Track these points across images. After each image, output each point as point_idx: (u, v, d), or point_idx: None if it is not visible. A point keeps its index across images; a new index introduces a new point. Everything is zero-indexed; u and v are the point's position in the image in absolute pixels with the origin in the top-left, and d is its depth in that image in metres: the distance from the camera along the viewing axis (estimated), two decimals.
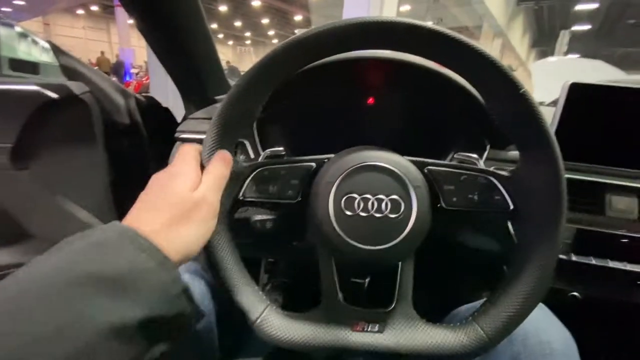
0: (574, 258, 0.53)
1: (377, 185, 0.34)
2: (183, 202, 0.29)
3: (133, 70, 11.12)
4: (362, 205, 0.33)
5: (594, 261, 0.53)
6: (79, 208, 0.68)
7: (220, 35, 24.16)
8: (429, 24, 0.30)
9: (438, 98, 0.53)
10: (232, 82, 0.77)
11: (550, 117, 0.56)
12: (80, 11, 19.47)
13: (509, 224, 0.45)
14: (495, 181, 0.35)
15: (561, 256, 0.53)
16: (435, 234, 0.35)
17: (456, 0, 9.66)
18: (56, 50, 0.68)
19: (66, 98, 0.62)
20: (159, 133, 0.75)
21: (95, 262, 0.22)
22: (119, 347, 0.21)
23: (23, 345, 0.18)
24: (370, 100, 0.57)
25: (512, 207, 0.35)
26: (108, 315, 0.21)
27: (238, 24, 21.78)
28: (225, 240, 0.35)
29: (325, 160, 0.37)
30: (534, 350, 0.37)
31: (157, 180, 0.31)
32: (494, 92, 0.33)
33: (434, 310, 0.42)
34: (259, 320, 0.34)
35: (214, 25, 21.24)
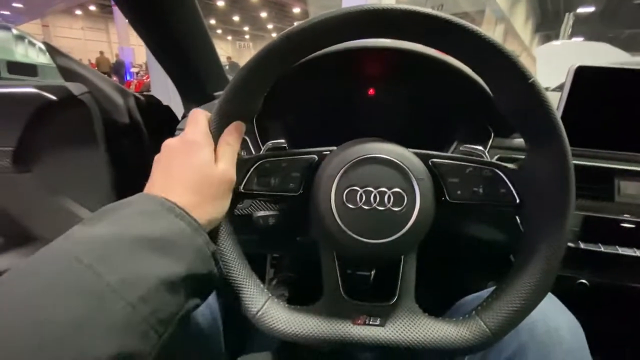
0: (582, 246, 0.53)
1: (380, 178, 0.33)
2: (207, 182, 0.31)
3: (133, 69, 11.12)
4: (364, 198, 0.33)
5: (602, 248, 0.52)
6: (81, 208, 0.69)
7: (219, 31, 24.02)
8: (428, 9, 0.29)
9: (441, 87, 0.52)
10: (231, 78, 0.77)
11: (556, 102, 0.55)
12: (78, 12, 19.45)
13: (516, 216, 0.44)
14: (501, 174, 0.34)
15: (569, 244, 0.52)
16: (438, 227, 0.35)
17: None
18: (53, 51, 0.68)
19: (65, 99, 0.62)
20: (159, 131, 0.75)
21: (144, 226, 0.25)
22: (167, 298, 0.24)
23: (87, 299, 0.21)
24: (372, 91, 0.56)
25: (518, 200, 0.34)
26: (159, 271, 0.24)
27: (236, 18, 21.63)
28: (227, 233, 0.35)
29: (327, 153, 0.37)
30: (542, 338, 0.37)
31: (175, 150, 0.32)
32: (501, 81, 0.32)
33: (436, 303, 0.41)
34: (259, 313, 0.34)
35: (212, 21, 21.12)
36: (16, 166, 0.62)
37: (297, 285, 0.79)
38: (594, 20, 13.18)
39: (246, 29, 24.58)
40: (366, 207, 0.33)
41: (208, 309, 0.47)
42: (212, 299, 0.47)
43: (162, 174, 0.31)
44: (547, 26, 14.82)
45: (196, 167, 0.31)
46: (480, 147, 0.42)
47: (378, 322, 0.34)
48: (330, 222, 0.33)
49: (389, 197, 0.33)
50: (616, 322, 0.64)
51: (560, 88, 0.56)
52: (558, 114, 0.30)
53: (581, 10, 12.00)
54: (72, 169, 0.66)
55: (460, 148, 0.45)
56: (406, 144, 0.36)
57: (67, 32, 19.45)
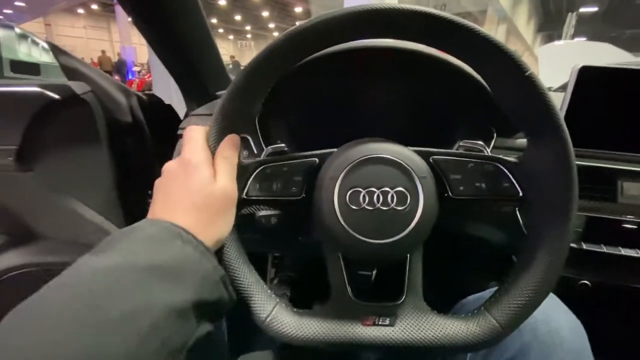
0: (584, 246, 0.53)
1: (382, 178, 0.33)
2: (207, 202, 0.31)
3: (135, 68, 11.15)
4: (367, 198, 0.33)
5: (605, 249, 0.52)
6: (85, 207, 0.69)
7: (220, 30, 24.04)
8: (428, 9, 0.29)
9: (441, 86, 0.52)
10: (233, 77, 0.77)
11: (559, 102, 0.55)
12: (80, 10, 19.47)
13: (517, 213, 0.44)
14: (503, 168, 0.34)
15: (571, 244, 0.52)
16: (441, 226, 0.35)
17: None
18: (56, 50, 0.68)
19: (68, 98, 0.62)
20: (162, 130, 0.75)
21: (150, 254, 0.25)
22: (177, 326, 0.24)
23: (100, 330, 0.21)
24: (372, 91, 0.56)
25: (520, 194, 0.34)
26: (168, 299, 0.24)
27: (238, 17, 21.63)
28: (232, 238, 0.35)
29: (328, 155, 0.37)
30: (544, 339, 0.37)
31: (174, 173, 0.32)
32: (499, 76, 0.32)
33: (441, 301, 0.41)
34: (268, 319, 0.34)
35: (214, 20, 21.13)
36: (19, 165, 0.62)
37: (299, 284, 0.79)
38: (596, 20, 13.13)
39: (248, 28, 24.60)
40: (370, 208, 0.33)
41: None
42: None
43: (163, 200, 0.31)
44: (549, 26, 14.78)
45: (195, 188, 0.31)
46: (480, 142, 0.42)
47: (388, 322, 0.34)
48: (335, 224, 0.33)
49: (392, 197, 0.33)
50: (618, 322, 0.64)
51: (563, 88, 0.56)
52: (561, 113, 0.30)
53: (583, 10, 11.96)
54: (75, 167, 0.66)
55: (461, 143, 0.45)
56: (408, 143, 0.36)
57: (69, 31, 19.49)
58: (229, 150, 0.34)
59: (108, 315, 0.21)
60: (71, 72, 0.68)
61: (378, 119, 0.57)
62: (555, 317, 0.39)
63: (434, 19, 0.29)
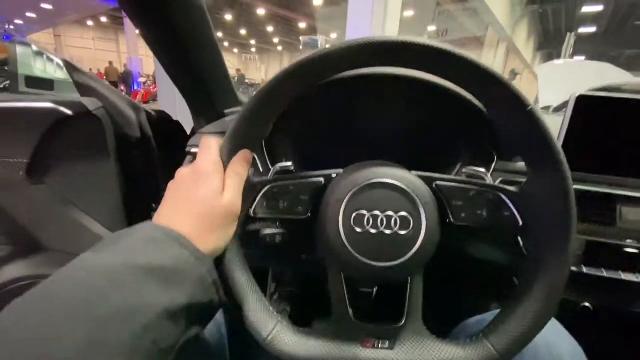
0: (584, 270, 0.53)
1: (386, 202, 0.34)
2: (212, 213, 0.32)
3: (141, 79, 11.34)
4: (371, 222, 0.34)
5: (605, 273, 0.52)
6: (91, 219, 0.70)
7: (226, 44, 24.46)
8: (428, 41, 0.30)
9: (445, 113, 0.54)
10: (239, 93, 0.78)
11: (557, 125, 0.56)
12: (90, 23, 19.91)
13: (519, 239, 0.44)
14: (504, 197, 0.35)
15: (572, 268, 0.53)
16: (442, 249, 0.35)
17: (463, 11, 9.67)
18: (69, 67, 0.70)
19: (80, 114, 0.64)
20: (169, 146, 0.77)
21: (149, 255, 0.26)
22: (169, 327, 0.25)
23: (98, 325, 0.21)
24: (376, 114, 0.57)
25: (521, 223, 0.35)
26: (162, 300, 0.25)
27: (243, 32, 22.04)
28: (236, 255, 0.36)
29: (334, 176, 0.38)
30: None
31: (185, 180, 0.33)
32: (501, 109, 0.33)
33: (439, 324, 0.42)
34: (269, 338, 0.34)
35: (220, 34, 21.52)
36: (30, 178, 0.63)
37: (300, 300, 0.79)
38: (596, 39, 13.35)
39: (253, 42, 25.03)
40: (373, 231, 0.34)
41: (213, 320, 0.47)
42: (218, 314, 0.48)
43: (170, 203, 0.33)
44: (549, 45, 15.00)
45: (202, 199, 0.32)
46: (482, 170, 0.43)
47: (387, 345, 0.34)
48: (339, 245, 0.34)
49: (395, 221, 0.34)
50: (619, 346, 0.63)
51: (563, 106, 0.56)
52: (558, 141, 0.31)
53: (583, 30, 12.17)
54: (84, 181, 0.67)
55: (463, 170, 0.46)
56: (411, 166, 0.37)
57: (78, 42, 19.89)
58: (241, 167, 0.35)
59: (103, 312, 0.22)
60: (84, 88, 0.70)
61: (382, 141, 0.58)
62: (557, 343, 0.39)
63: (435, 51, 0.30)
